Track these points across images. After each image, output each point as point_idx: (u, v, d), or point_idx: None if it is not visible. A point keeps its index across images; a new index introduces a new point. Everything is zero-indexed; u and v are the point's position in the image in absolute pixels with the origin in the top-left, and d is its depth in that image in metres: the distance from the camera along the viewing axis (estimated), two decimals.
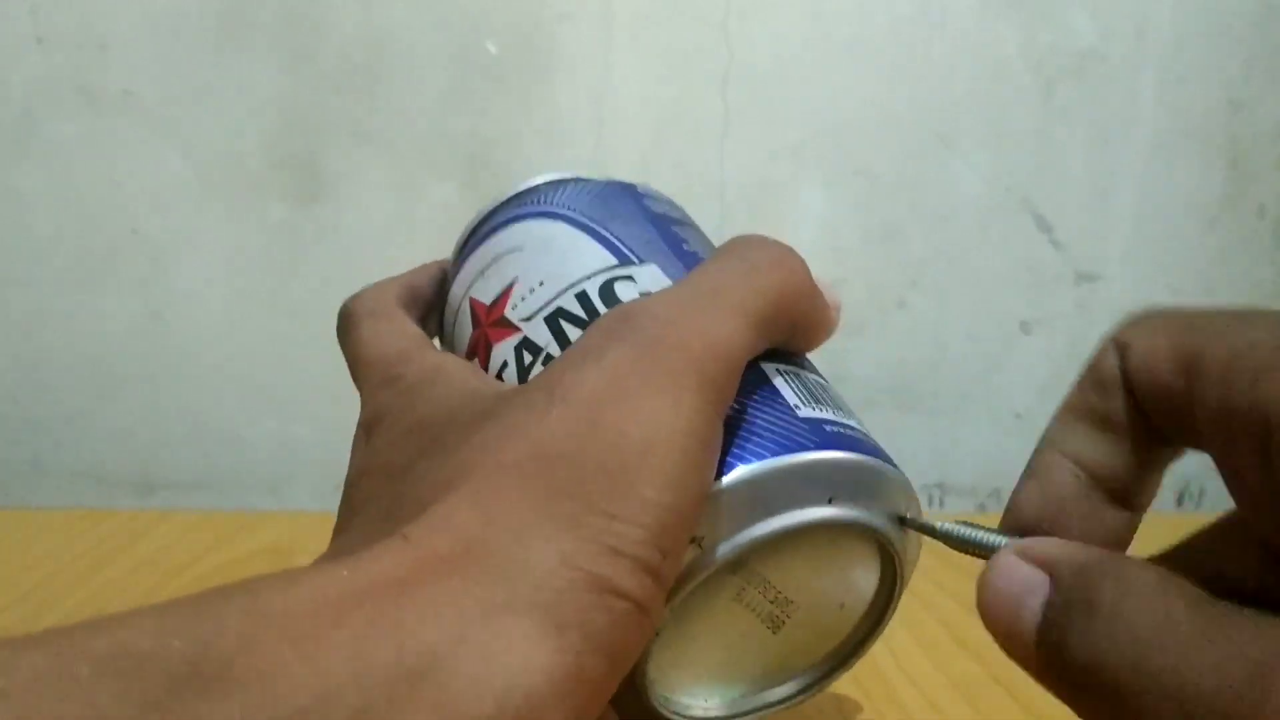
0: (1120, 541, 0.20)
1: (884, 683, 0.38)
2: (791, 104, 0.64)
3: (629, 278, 0.25)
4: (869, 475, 0.22)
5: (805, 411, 0.22)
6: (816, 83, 0.64)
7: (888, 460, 0.23)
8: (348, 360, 0.26)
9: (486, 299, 0.27)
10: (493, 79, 0.62)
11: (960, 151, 0.65)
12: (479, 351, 0.26)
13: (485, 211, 0.30)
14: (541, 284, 0.26)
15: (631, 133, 0.63)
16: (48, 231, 0.62)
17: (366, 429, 0.23)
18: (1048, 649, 0.17)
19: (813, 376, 0.24)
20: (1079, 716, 0.17)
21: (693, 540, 0.20)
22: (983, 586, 0.18)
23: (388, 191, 0.63)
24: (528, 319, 0.25)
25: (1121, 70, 0.64)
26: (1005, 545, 0.19)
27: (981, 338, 0.67)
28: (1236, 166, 0.66)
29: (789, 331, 0.23)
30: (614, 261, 0.26)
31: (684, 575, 0.20)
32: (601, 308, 0.24)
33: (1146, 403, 0.19)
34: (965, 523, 0.21)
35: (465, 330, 0.27)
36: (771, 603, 0.22)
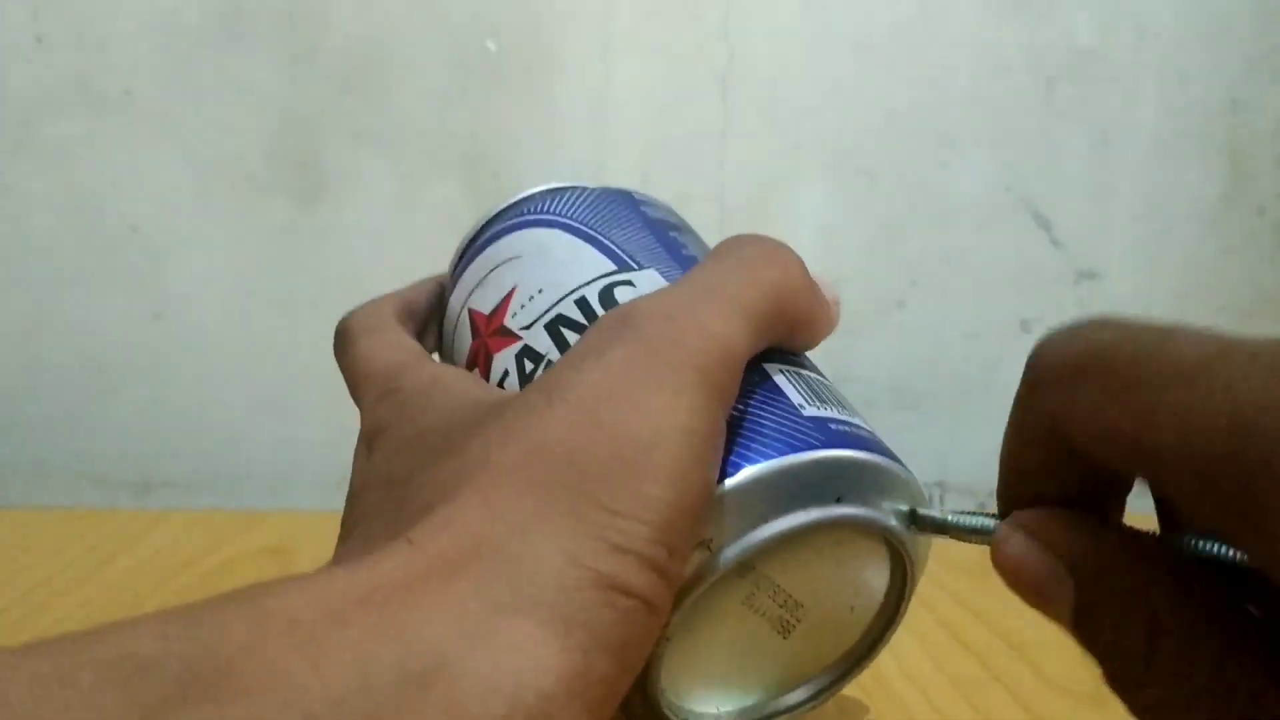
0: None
1: (884, 683, 0.38)
2: (791, 104, 0.64)
3: (629, 283, 0.25)
4: (877, 474, 0.22)
5: (810, 410, 0.22)
6: (816, 83, 0.64)
7: (895, 458, 0.23)
8: (346, 376, 0.26)
9: (486, 308, 0.27)
10: (493, 79, 0.62)
11: (960, 151, 0.65)
12: (480, 361, 0.26)
13: (481, 222, 0.29)
14: (541, 291, 0.26)
15: (631, 133, 0.63)
16: (48, 231, 0.62)
17: (367, 442, 0.23)
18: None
19: (815, 375, 0.24)
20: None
21: (700, 544, 0.20)
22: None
23: (388, 191, 0.63)
24: (528, 327, 0.25)
25: (1121, 70, 0.64)
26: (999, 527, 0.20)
27: (981, 337, 0.67)
28: (1236, 166, 0.66)
29: (788, 328, 0.23)
30: (613, 267, 0.26)
31: (693, 579, 0.20)
32: (602, 313, 0.24)
33: (1099, 467, 0.18)
34: (973, 512, 0.21)
35: (465, 341, 0.27)
36: (781, 606, 0.22)
